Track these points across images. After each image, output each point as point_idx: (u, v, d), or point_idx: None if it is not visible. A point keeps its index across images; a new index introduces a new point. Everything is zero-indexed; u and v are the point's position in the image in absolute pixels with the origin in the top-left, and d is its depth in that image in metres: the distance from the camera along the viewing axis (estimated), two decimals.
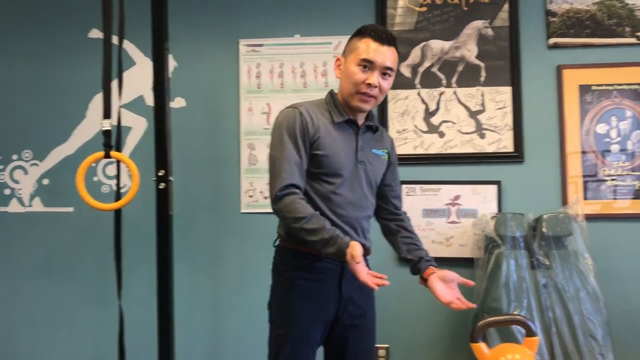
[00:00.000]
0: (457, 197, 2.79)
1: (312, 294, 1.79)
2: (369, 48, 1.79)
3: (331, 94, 1.92)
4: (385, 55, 1.81)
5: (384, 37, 1.82)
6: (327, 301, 1.81)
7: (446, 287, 1.82)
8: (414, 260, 1.92)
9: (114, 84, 2.06)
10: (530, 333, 1.72)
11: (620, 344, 2.63)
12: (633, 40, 2.77)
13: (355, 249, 1.61)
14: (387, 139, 2.03)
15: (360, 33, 1.84)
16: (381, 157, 1.95)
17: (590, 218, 2.71)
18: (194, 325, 2.89)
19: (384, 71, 1.82)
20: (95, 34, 2.97)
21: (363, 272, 1.59)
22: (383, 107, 2.82)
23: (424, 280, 1.87)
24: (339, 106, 1.87)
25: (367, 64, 1.79)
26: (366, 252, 1.90)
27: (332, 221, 1.78)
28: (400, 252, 1.97)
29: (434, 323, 2.79)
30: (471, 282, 1.82)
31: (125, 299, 2.53)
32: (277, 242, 1.91)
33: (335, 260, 1.77)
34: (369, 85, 1.79)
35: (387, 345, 2.79)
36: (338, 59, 1.89)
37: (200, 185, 2.91)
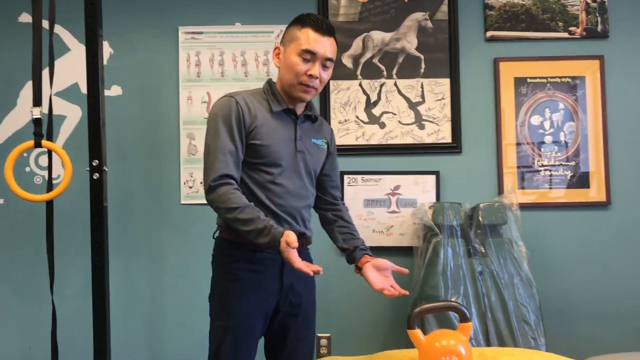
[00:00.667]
0: (397, 187, 2.83)
1: (253, 285, 1.78)
2: (310, 38, 1.78)
3: (269, 83, 1.90)
4: (326, 46, 1.80)
5: (324, 27, 1.81)
6: (269, 292, 1.81)
7: (380, 275, 1.85)
8: (350, 249, 1.94)
9: (46, 71, 1.98)
10: (464, 319, 1.76)
11: (552, 328, 2.74)
12: (565, 34, 2.87)
13: (289, 236, 1.61)
14: (327, 128, 2.03)
15: (299, 22, 1.83)
16: (320, 146, 1.95)
17: (525, 207, 2.80)
18: (131, 320, 2.83)
19: (324, 62, 1.82)
20: (26, 18, 2.85)
21: (297, 260, 1.60)
22: (325, 98, 2.83)
23: (359, 269, 1.90)
24: (277, 95, 1.85)
25: (308, 55, 1.79)
26: (307, 241, 1.91)
27: (271, 211, 1.78)
28: (336, 241, 1.99)
29: (374, 311, 2.82)
30: (405, 270, 1.85)
31: (60, 293, 2.45)
32: (216, 234, 1.88)
33: (274, 251, 1.77)
34: (311, 76, 1.79)
35: (328, 335, 2.82)
36: (277, 48, 1.87)
37: (138, 176, 2.85)
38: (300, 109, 1.89)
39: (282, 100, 1.85)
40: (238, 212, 1.67)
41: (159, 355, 2.82)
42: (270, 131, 1.80)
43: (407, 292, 1.82)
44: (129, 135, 2.84)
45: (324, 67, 1.82)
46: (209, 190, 1.72)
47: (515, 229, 2.65)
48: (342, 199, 2.10)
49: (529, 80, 2.86)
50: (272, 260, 1.80)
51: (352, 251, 1.94)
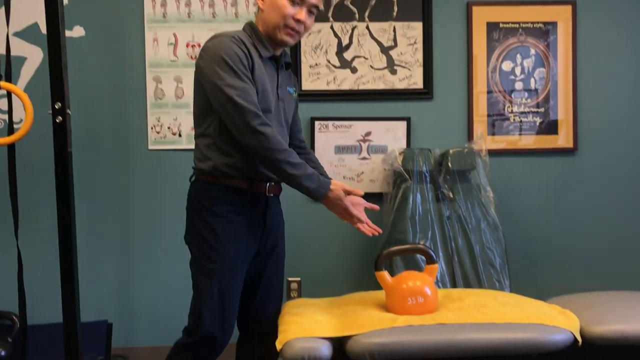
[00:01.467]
0: (368, 134, 2.82)
1: (241, 227, 1.78)
2: None
3: (252, 26, 1.85)
4: None
5: None
6: (254, 233, 1.82)
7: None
8: None
9: (2, 10, 1.89)
10: (430, 260, 1.79)
11: (517, 271, 2.81)
12: None
13: (344, 185, 1.69)
14: (293, 75, 2.04)
15: None
16: (293, 95, 1.95)
17: (494, 153, 2.82)
18: (101, 268, 2.82)
19: (311, 8, 1.80)
20: None
21: (354, 211, 1.70)
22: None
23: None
24: (263, 40, 1.82)
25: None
26: (280, 189, 1.92)
27: None
28: None
29: (344, 256, 2.86)
30: (376, 207, 1.87)
31: (26, 239, 2.42)
32: (193, 178, 1.86)
33: (260, 193, 1.79)
34: (298, 21, 1.78)
35: (298, 279, 2.85)
36: None
37: (104, 121, 2.78)
38: (279, 51, 1.88)
39: (269, 45, 1.82)
40: (289, 155, 1.68)
41: (129, 300, 2.83)
42: (262, 76, 1.78)
43: (380, 230, 1.84)
44: (93, 79, 2.75)
45: (310, 12, 1.81)
46: (254, 132, 1.66)
47: (484, 175, 2.68)
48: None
49: (501, 25, 2.84)
50: (256, 200, 1.81)
51: None
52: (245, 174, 1.78)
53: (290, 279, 2.84)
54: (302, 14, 1.77)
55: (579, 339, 1.64)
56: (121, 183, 2.80)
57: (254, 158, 1.74)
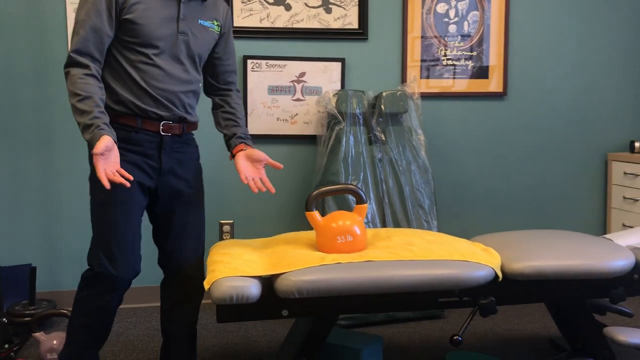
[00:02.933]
0: (302, 74, 2.77)
1: (130, 160, 1.72)
2: None
3: None
4: None
5: None
6: (146, 168, 1.75)
7: (251, 166, 1.82)
8: (228, 135, 1.89)
9: None
10: (360, 200, 1.80)
11: (444, 210, 2.89)
12: None
13: (100, 142, 1.54)
14: (222, 8, 1.88)
15: None
16: (209, 28, 1.82)
17: (427, 97, 2.84)
18: (24, 210, 2.70)
19: None
20: None
21: (100, 168, 1.55)
22: None
23: (233, 157, 1.86)
24: None
25: None
26: (190, 126, 1.84)
27: (148, 94, 1.71)
28: (218, 126, 1.93)
29: (278, 199, 2.85)
30: (279, 165, 1.82)
31: None
32: None
33: (152, 132, 1.74)
34: None
35: (231, 221, 2.83)
36: None
37: (23, 55, 2.61)
38: None
39: None
40: (77, 100, 1.60)
41: (54, 243, 2.74)
42: (147, 8, 1.67)
43: (273, 190, 1.81)
44: (9, 9, 2.56)
45: None
46: (65, 65, 1.65)
47: (415, 118, 2.70)
48: (236, 84, 1.99)
49: None
50: (149, 141, 1.74)
51: (230, 137, 1.88)
52: (134, 112, 1.72)
53: (222, 221, 2.82)
54: None
55: (500, 275, 1.71)
56: (43, 120, 2.66)
57: None
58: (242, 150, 1.83)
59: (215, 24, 1.83)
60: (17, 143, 2.64)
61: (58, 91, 2.64)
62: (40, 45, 2.61)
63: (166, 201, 1.81)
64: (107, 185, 1.53)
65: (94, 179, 1.74)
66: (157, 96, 1.71)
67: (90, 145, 1.57)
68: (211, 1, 1.83)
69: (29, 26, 2.60)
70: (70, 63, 1.63)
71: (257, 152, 1.80)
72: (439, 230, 2.64)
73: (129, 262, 1.72)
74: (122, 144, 1.71)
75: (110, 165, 1.57)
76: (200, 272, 1.85)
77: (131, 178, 1.58)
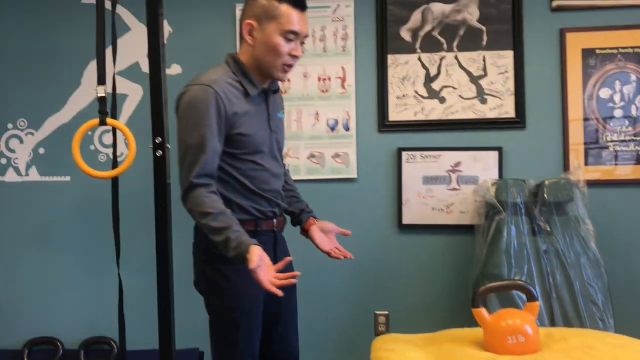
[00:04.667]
0: (457, 164, 2.77)
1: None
2: (292, 18, 1.71)
3: (236, 61, 1.79)
4: (306, 23, 1.76)
5: (304, 3, 1.75)
6: None
7: (326, 237, 1.86)
8: (295, 212, 1.93)
9: (109, 50, 2.01)
10: (531, 298, 1.71)
11: (621, 309, 2.63)
12: (638, 2, 2.71)
13: (253, 254, 1.56)
14: (280, 95, 1.96)
15: None
16: (282, 119, 1.92)
17: (591, 184, 2.69)
18: (195, 297, 2.88)
19: (303, 40, 1.78)
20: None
21: (264, 280, 1.55)
22: (383, 72, 2.77)
23: (305, 231, 1.87)
24: (250, 76, 1.77)
25: (292, 35, 1.72)
26: (285, 214, 1.91)
27: (262, 196, 1.77)
28: None
29: (433, 290, 2.79)
30: (348, 232, 1.83)
31: (124, 267, 2.52)
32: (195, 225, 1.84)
33: (269, 231, 1.79)
34: (294, 56, 1.75)
35: (386, 312, 2.80)
36: (248, 24, 1.75)
37: None
38: (267, 83, 1.83)
39: (257, 81, 1.77)
40: (210, 219, 1.63)
41: None
42: (250, 119, 1.74)
43: (351, 256, 1.83)
44: None
45: (302, 43, 1.78)
46: (186, 191, 1.68)
47: (582, 207, 2.56)
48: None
49: (597, 51, 2.73)
50: (267, 241, 1.78)
51: (298, 214, 1.93)
52: (254, 216, 1.77)
53: (377, 312, 2.80)
54: (298, 50, 1.75)
55: None
56: None
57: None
58: (314, 224, 1.87)
59: (283, 112, 1.92)
60: (190, 232, 2.87)
61: None
62: None
63: (275, 296, 1.86)
64: (280, 293, 1.55)
65: (219, 291, 1.77)
66: (269, 197, 1.79)
67: (238, 259, 1.59)
68: (278, 93, 1.91)
69: None
70: (191, 187, 1.67)
71: (328, 224, 1.87)
72: (616, 331, 2.40)
73: None
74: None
75: (268, 273, 1.58)
76: None
77: (297, 274, 1.60)
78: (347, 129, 2.80)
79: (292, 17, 1.71)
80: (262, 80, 1.79)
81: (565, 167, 2.73)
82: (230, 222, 1.63)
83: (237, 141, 1.72)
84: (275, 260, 1.82)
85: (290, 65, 1.76)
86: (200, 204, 1.64)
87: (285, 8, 1.71)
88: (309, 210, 1.96)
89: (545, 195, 2.51)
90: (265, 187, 1.79)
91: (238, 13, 2.83)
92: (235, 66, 1.77)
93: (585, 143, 2.73)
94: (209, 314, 1.83)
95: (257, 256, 1.56)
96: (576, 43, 2.74)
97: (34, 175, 2.96)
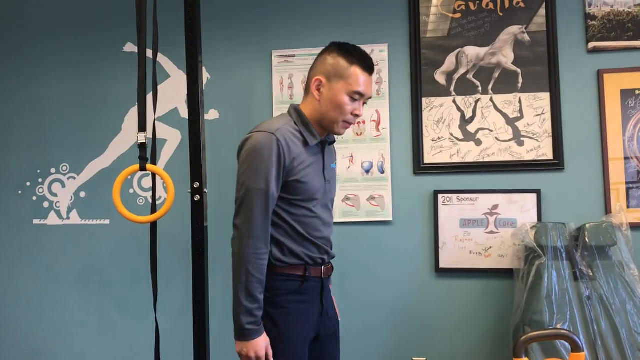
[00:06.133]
0: (495, 207, 2.73)
1: (304, 314, 1.79)
2: (359, 79, 1.78)
3: (298, 112, 1.84)
4: (371, 86, 1.83)
5: (371, 66, 1.82)
6: (314, 318, 1.82)
7: None
8: None
9: (149, 97, 2.07)
10: (576, 348, 1.65)
11: None
12: None
13: (261, 343, 1.69)
14: (334, 147, 2.03)
15: (346, 57, 1.80)
16: (334, 169, 1.96)
17: (635, 227, 2.61)
18: (230, 338, 2.87)
19: (366, 101, 1.85)
20: (130, 47, 3.01)
21: None
22: (418, 115, 2.78)
23: None
24: (311, 127, 1.82)
25: (357, 96, 1.79)
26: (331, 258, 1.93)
27: (313, 243, 1.80)
28: None
29: (472, 336, 2.72)
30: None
31: (161, 311, 2.53)
32: None
33: (317, 278, 1.81)
34: (356, 116, 1.82)
35: (424, 359, 2.73)
36: (319, 80, 1.81)
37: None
38: (325, 135, 1.89)
39: (316, 132, 1.83)
40: (252, 280, 1.68)
41: None
42: (307, 167, 1.78)
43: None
44: (226, 157, 2.91)
45: (364, 104, 1.85)
46: (244, 239, 1.71)
47: (626, 251, 2.48)
48: None
49: (637, 92, 2.69)
50: (314, 287, 1.82)
51: None
52: (305, 262, 1.79)
53: (415, 358, 2.74)
54: (360, 110, 1.81)
55: None
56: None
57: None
58: None
59: (335, 163, 1.96)
60: (229, 274, 2.88)
61: None
62: None
63: (321, 341, 1.86)
64: None
65: (270, 338, 1.78)
66: (319, 244, 1.81)
67: (246, 336, 1.69)
68: (333, 145, 1.97)
69: None
70: (253, 241, 1.70)
71: None
72: None
73: None
74: (293, 295, 1.77)
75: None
76: None
77: None
78: (382, 171, 2.80)
79: (360, 79, 1.78)
80: (321, 133, 1.85)
81: (607, 209, 2.67)
82: (261, 297, 1.71)
83: (294, 188, 1.76)
84: (321, 307, 1.84)
85: (350, 124, 1.84)
86: (253, 262, 1.70)
87: (355, 70, 1.78)
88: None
89: (587, 239, 2.45)
90: (316, 234, 1.81)
91: (274, 59, 2.89)
92: (297, 117, 1.84)
93: (626, 183, 2.67)
94: None
95: (264, 346, 1.70)
96: (614, 84, 2.71)
97: (74, 218, 3.02)
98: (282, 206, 1.78)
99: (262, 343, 1.68)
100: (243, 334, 1.68)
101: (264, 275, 1.70)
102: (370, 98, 1.86)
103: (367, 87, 1.80)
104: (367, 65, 1.80)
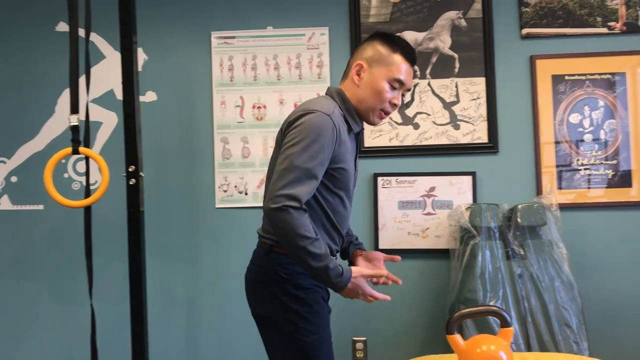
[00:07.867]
0: (432, 189, 2.79)
1: (324, 295, 1.78)
2: (401, 67, 1.74)
3: (342, 97, 1.78)
4: (412, 77, 1.79)
5: (414, 57, 1.78)
6: (326, 302, 1.81)
7: (371, 265, 1.87)
8: (344, 246, 1.93)
9: (82, 78, 2.01)
10: (505, 324, 1.72)
11: (595, 331, 2.66)
12: (604, 30, 2.79)
13: (363, 271, 1.67)
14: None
15: (391, 45, 1.75)
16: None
17: (564, 207, 2.73)
18: (168, 323, 2.85)
19: (405, 92, 1.81)
20: (63, 27, 2.91)
21: (372, 292, 1.69)
22: None
23: (351, 264, 1.90)
24: (354, 115, 1.78)
25: (397, 84, 1.74)
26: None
27: (339, 233, 1.78)
28: None
29: (411, 316, 2.79)
30: (397, 258, 1.86)
31: (98, 297, 2.49)
32: (266, 249, 1.76)
33: None
34: (394, 105, 1.77)
35: (364, 338, 2.79)
36: (359, 64, 1.77)
37: (174, 180, 2.87)
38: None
39: (359, 120, 1.80)
40: (310, 243, 1.58)
41: (196, 357, 2.84)
42: (348, 154, 1.74)
43: (399, 281, 1.84)
44: (164, 140, 2.87)
45: (402, 95, 1.81)
46: (281, 207, 1.58)
47: (555, 230, 2.59)
48: None
49: (567, 77, 2.80)
50: None
51: (347, 247, 1.94)
52: (331, 252, 1.77)
53: (355, 338, 2.79)
54: (399, 100, 1.76)
55: None
56: (189, 239, 2.86)
57: (276, 236, 1.68)
58: (359, 255, 1.90)
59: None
60: (166, 259, 2.85)
61: (201, 211, 2.85)
62: (191, 173, 2.87)
63: None
64: (388, 298, 1.71)
65: (301, 316, 1.71)
66: (342, 234, 1.80)
67: (339, 284, 1.63)
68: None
69: (181, 157, 2.88)
70: (290, 207, 1.58)
71: (375, 253, 1.87)
72: (591, 354, 2.42)
73: None
74: (310, 278, 1.72)
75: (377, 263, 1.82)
76: None
77: (399, 282, 1.80)
78: None
79: (402, 67, 1.74)
80: (361, 120, 1.81)
81: (539, 190, 2.77)
82: (327, 249, 1.62)
83: (337, 174, 1.71)
84: (327, 294, 1.82)
85: (387, 113, 1.78)
86: (300, 225, 1.57)
87: (397, 57, 1.74)
88: (357, 243, 1.95)
89: (519, 220, 2.54)
90: (343, 224, 1.79)
91: (214, 41, 2.85)
92: (341, 103, 1.77)
93: (557, 166, 2.78)
94: (279, 342, 1.73)
95: (360, 274, 1.67)
96: (546, 69, 2.80)
97: (6, 204, 2.91)
98: (322, 192, 1.71)
99: (356, 281, 1.65)
100: (339, 287, 1.63)
101: (314, 232, 1.61)
102: (409, 90, 1.81)
103: (408, 76, 1.76)
104: (410, 56, 1.76)
